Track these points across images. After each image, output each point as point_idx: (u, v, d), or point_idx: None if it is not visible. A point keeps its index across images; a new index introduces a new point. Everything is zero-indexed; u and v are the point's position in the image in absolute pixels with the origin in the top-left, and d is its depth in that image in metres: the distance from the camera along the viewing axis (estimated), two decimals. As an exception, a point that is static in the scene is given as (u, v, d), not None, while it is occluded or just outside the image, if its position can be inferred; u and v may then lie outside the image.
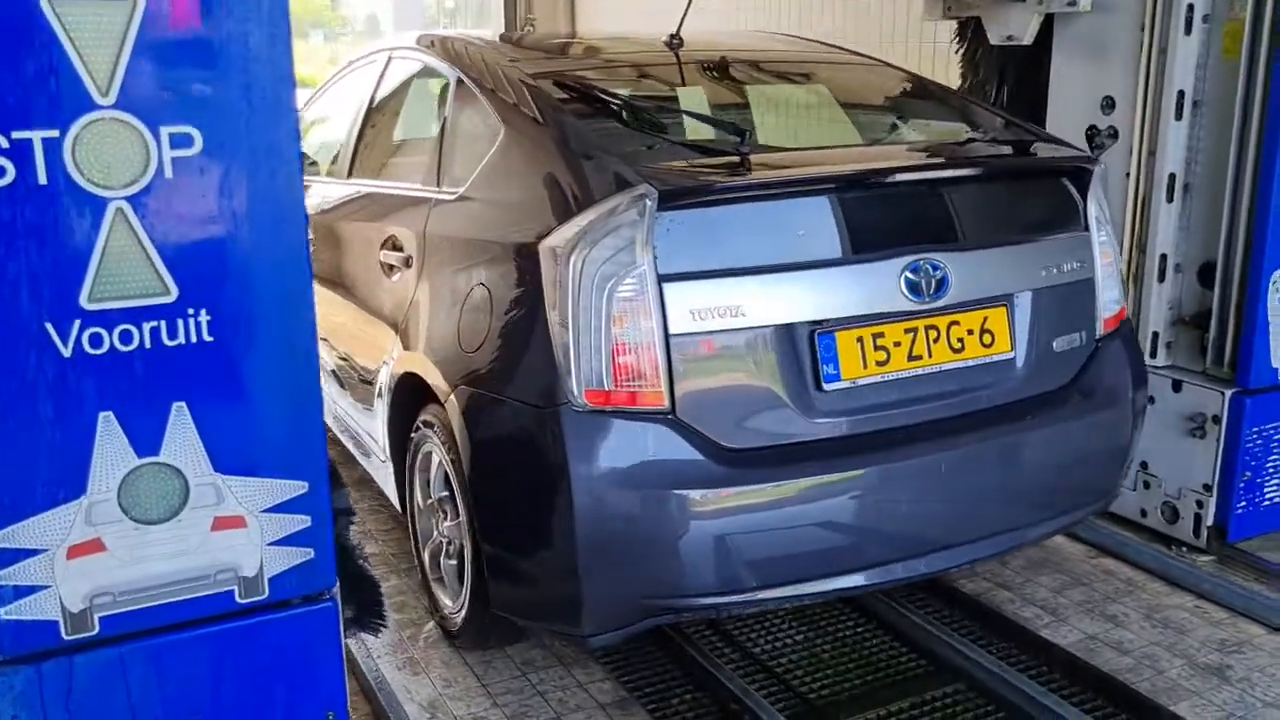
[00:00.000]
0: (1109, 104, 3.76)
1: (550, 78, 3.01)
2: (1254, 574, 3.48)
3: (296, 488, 2.05)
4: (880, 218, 2.64)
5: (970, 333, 2.70)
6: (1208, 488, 3.57)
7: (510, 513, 2.59)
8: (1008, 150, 3.08)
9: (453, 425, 2.74)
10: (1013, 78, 4.25)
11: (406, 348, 3.09)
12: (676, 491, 2.39)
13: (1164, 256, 3.67)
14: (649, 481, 2.39)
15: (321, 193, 4.09)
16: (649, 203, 2.34)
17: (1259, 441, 3.57)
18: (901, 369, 2.61)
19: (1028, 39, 3.94)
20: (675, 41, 3.38)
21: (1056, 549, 3.67)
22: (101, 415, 1.88)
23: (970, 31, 4.39)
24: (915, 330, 2.63)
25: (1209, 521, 3.60)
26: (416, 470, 3.15)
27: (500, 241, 2.67)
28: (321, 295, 3.70)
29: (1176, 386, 3.63)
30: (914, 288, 2.59)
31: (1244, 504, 3.60)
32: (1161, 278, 3.70)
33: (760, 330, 2.47)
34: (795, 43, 4.01)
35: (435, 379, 2.85)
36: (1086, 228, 2.96)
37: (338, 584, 2.14)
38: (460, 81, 3.20)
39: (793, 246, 2.52)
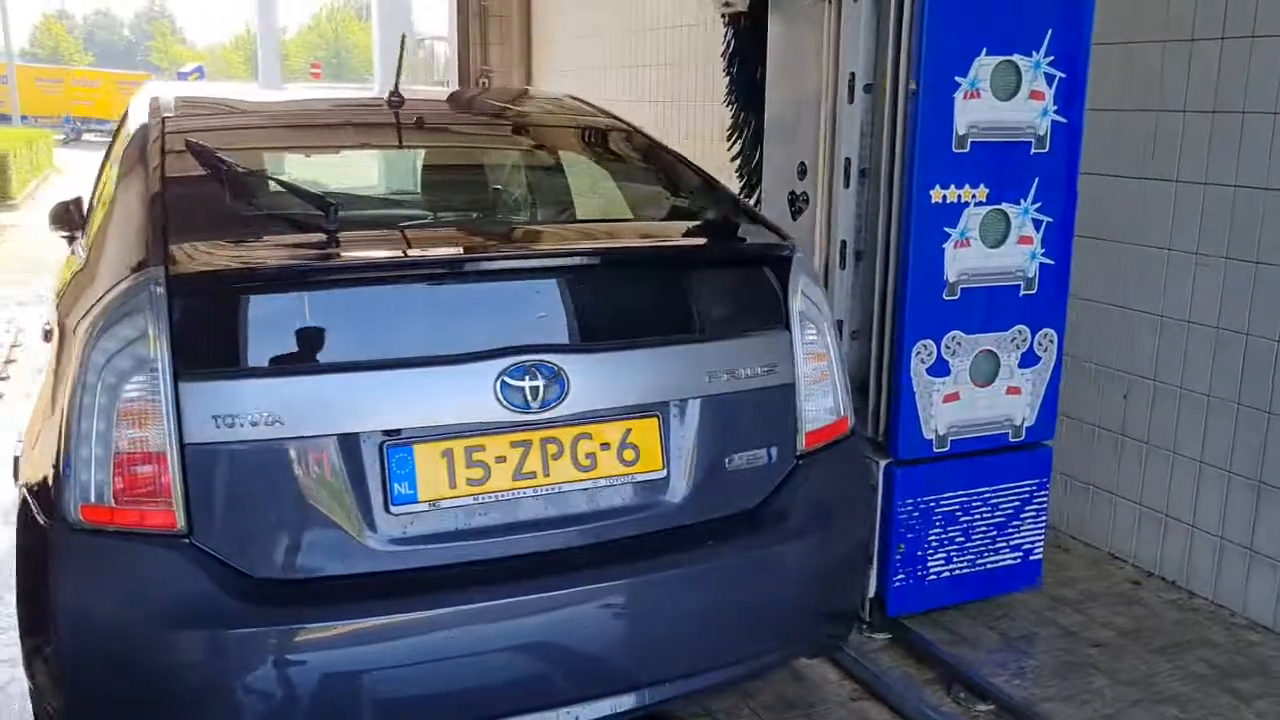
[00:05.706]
0: (802, 171, 3.57)
1: (192, 136, 2.66)
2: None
3: None
4: (475, 311, 2.24)
5: (605, 448, 2.29)
6: (869, 560, 3.38)
7: (27, 649, 2.20)
8: (687, 232, 2.70)
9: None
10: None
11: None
12: (185, 631, 2.00)
13: (840, 323, 3.40)
14: (154, 619, 2.00)
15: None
16: (156, 288, 1.98)
17: (915, 514, 3.34)
18: (505, 489, 2.21)
19: (742, 4, 3.91)
20: (395, 99, 3.05)
21: (817, 686, 3.20)
22: None
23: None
24: (528, 444, 2.23)
25: (870, 594, 3.42)
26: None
27: (59, 321, 2.34)
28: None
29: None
30: (514, 394, 2.19)
31: (902, 577, 3.37)
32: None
33: (307, 441, 2.08)
34: (527, 101, 3.66)
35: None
36: (787, 326, 2.55)
37: None
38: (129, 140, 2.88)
39: (360, 343, 2.14)
